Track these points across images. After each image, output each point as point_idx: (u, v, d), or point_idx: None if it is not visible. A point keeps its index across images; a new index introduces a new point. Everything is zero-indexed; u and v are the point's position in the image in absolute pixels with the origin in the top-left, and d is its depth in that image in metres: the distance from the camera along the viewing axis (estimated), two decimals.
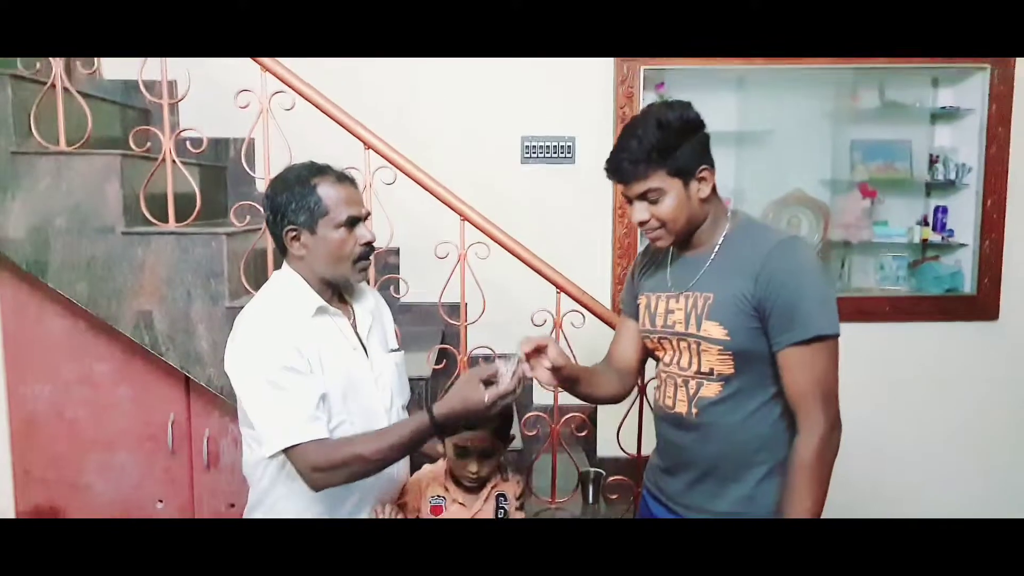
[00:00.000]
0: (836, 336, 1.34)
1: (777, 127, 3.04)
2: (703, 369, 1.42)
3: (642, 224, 1.43)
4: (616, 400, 1.68)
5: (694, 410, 1.44)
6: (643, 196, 1.40)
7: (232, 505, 2.27)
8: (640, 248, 2.89)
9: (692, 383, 1.44)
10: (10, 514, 2.23)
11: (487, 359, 2.18)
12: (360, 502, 1.52)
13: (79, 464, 2.23)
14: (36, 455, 2.22)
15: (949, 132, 3.10)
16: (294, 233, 1.47)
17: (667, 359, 1.50)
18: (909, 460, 3.03)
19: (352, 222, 1.47)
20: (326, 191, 1.45)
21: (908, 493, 3.03)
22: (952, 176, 3.02)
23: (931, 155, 3.09)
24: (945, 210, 3.09)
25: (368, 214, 1.54)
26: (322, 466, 1.36)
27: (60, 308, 2.14)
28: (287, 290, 1.50)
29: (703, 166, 1.40)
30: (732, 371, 1.39)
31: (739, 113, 3.05)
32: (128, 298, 1.98)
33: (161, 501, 2.27)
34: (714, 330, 1.38)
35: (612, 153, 1.41)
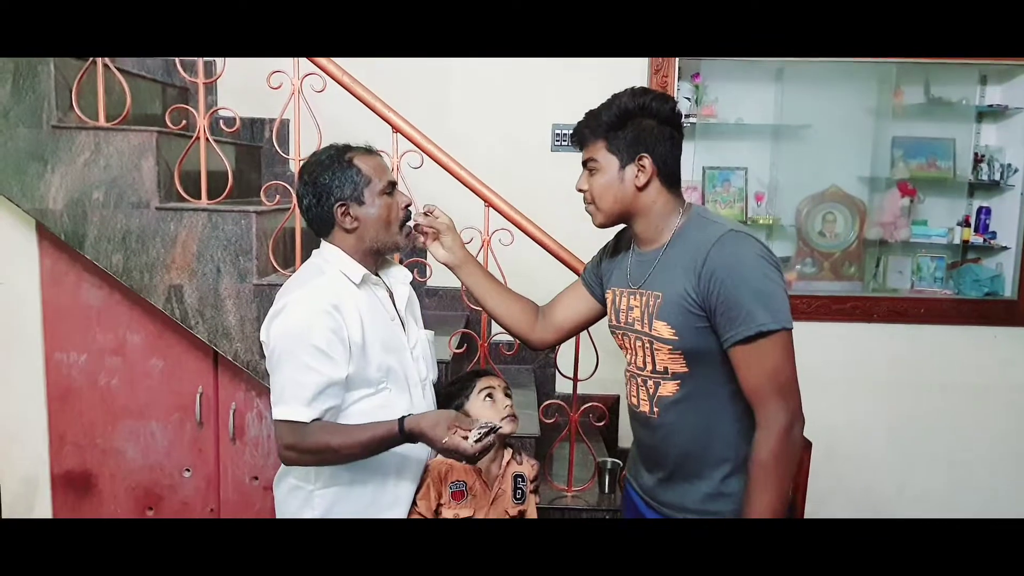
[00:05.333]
0: (782, 329, 1.28)
1: (816, 121, 2.98)
2: (658, 368, 1.40)
3: (581, 192, 1.48)
4: (525, 340, 1.73)
5: (655, 409, 1.43)
6: (585, 165, 1.46)
7: (256, 478, 2.32)
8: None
9: (651, 382, 1.43)
10: (45, 477, 2.32)
11: (508, 346, 2.21)
12: (398, 478, 1.57)
13: (111, 431, 2.30)
14: (71, 421, 2.30)
15: (995, 131, 3.01)
16: (343, 208, 1.51)
17: (630, 357, 1.50)
18: (938, 467, 2.97)
19: (392, 187, 1.56)
20: (363, 163, 1.53)
21: (937, 500, 2.97)
22: (997, 176, 2.93)
23: (976, 154, 3.00)
24: (988, 211, 3.00)
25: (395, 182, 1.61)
26: (297, 447, 1.43)
27: (96, 279, 2.21)
28: (331, 263, 1.54)
29: (643, 153, 1.38)
30: (686, 370, 1.37)
31: (777, 106, 3.00)
32: (160, 271, 2.04)
33: (189, 470, 2.33)
34: (663, 330, 1.36)
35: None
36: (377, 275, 1.60)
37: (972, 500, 2.95)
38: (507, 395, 1.65)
